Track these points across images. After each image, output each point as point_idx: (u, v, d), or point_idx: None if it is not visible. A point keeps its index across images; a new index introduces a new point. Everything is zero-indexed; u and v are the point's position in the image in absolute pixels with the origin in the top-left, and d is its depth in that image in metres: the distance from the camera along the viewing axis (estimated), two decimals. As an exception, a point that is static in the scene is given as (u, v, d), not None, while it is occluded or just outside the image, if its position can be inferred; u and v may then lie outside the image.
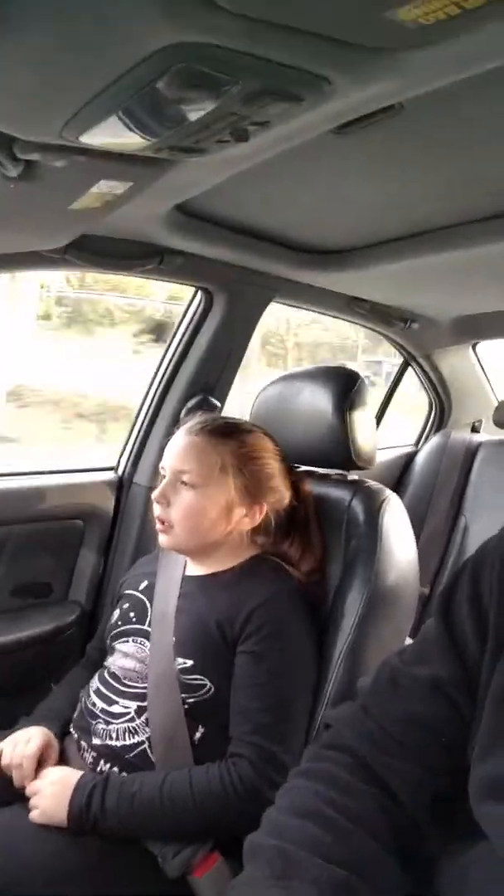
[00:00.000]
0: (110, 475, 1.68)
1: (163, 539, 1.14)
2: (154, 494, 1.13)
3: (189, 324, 1.62)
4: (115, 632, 1.18)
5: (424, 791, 0.65)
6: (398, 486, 2.51)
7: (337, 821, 0.63)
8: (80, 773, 1.03)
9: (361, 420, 1.26)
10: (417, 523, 2.41)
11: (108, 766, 1.06)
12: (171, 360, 1.64)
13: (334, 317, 1.94)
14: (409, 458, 2.57)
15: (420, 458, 2.54)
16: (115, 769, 1.05)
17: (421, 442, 2.63)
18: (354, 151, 0.93)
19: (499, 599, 0.65)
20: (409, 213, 1.22)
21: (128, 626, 1.17)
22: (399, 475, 2.55)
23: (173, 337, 1.65)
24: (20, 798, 1.04)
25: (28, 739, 1.10)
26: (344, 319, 1.97)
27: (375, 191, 1.11)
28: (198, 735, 1.06)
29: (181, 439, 1.15)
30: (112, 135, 0.66)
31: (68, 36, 0.49)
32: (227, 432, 1.15)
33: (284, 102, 0.61)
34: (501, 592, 0.65)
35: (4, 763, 1.09)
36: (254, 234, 1.38)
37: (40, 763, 1.08)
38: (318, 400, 1.27)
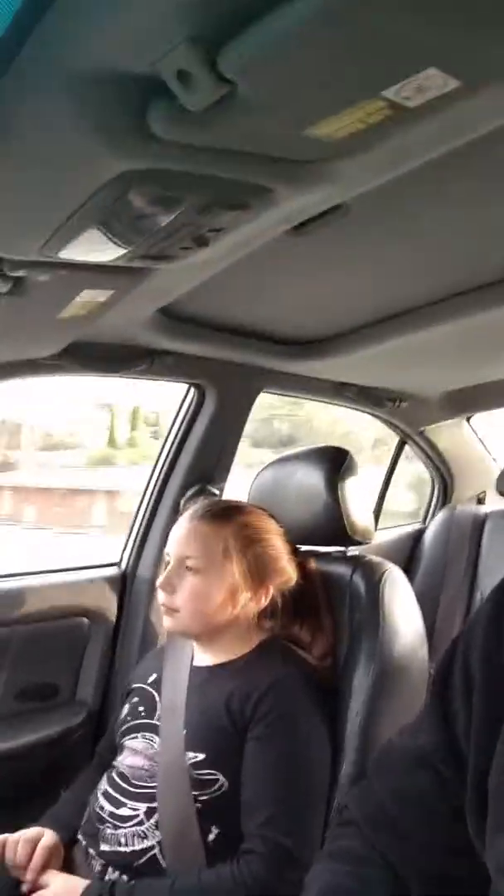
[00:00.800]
0: (113, 570, 1.70)
1: (167, 622, 1.14)
2: (159, 581, 1.14)
3: (184, 418, 1.69)
4: (124, 727, 1.16)
5: (425, 869, 0.64)
6: (408, 565, 2.49)
7: (359, 891, 0.65)
8: (85, 882, 0.98)
9: (354, 495, 1.29)
10: (433, 601, 2.39)
11: (116, 874, 1.01)
12: (168, 454, 1.70)
13: (323, 402, 2.01)
14: (418, 536, 2.56)
15: (428, 535, 2.53)
16: (124, 877, 1.00)
17: (428, 519, 2.64)
18: (313, 248, 1.02)
19: (481, 668, 0.65)
20: (378, 299, 1.31)
21: (137, 721, 1.15)
22: (409, 554, 2.53)
23: (169, 431, 1.71)
24: None
25: (35, 839, 1.07)
26: (334, 404, 2.04)
27: (341, 282, 1.20)
28: (211, 837, 1.02)
29: (184, 525, 1.16)
30: (87, 249, 0.74)
31: (37, 167, 0.58)
32: (229, 515, 1.16)
33: (233, 211, 0.69)
34: (483, 660, 0.65)
35: (9, 859, 1.05)
36: (237, 331, 1.48)
37: (43, 868, 1.04)
38: (311, 479, 1.31)
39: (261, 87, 0.47)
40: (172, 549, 1.16)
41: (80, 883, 0.98)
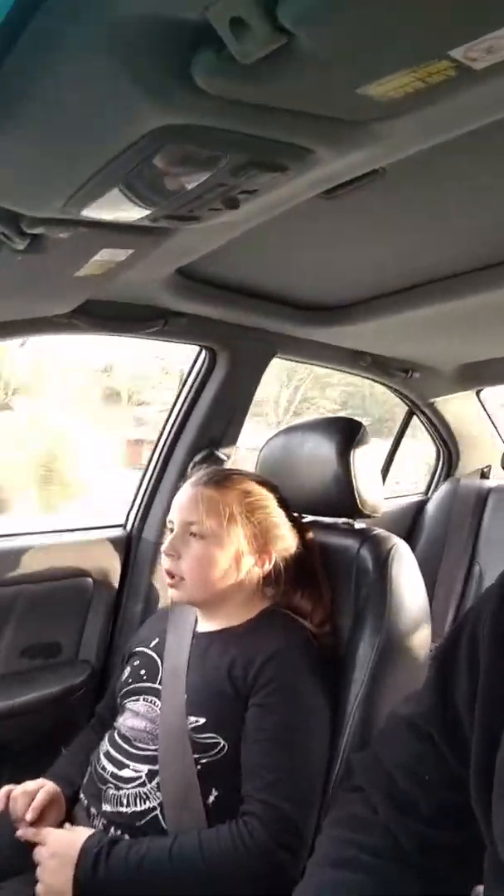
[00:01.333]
0: (118, 532, 1.69)
1: (173, 593, 1.14)
2: (163, 547, 1.14)
3: (194, 381, 1.66)
4: (125, 690, 1.17)
5: (423, 837, 0.66)
6: (409, 535, 2.50)
7: (367, 861, 0.67)
8: (83, 836, 0.99)
9: (365, 468, 1.27)
10: (431, 572, 2.40)
11: (118, 833, 1.03)
12: (177, 417, 1.68)
13: (336, 370, 1.98)
14: (420, 507, 2.57)
15: (430, 507, 2.53)
16: (126, 837, 1.02)
17: (431, 490, 2.63)
18: (344, 213, 0.98)
19: (489, 649, 0.66)
20: (403, 268, 1.27)
21: (138, 685, 1.15)
22: (410, 524, 2.54)
23: (179, 394, 1.69)
24: (31, 867, 1.01)
25: (34, 790, 1.09)
26: (345, 372, 2.01)
27: (368, 248, 1.16)
28: (211, 798, 1.03)
29: (188, 491, 1.16)
30: (111, 208, 0.70)
31: (66, 122, 0.54)
32: (233, 482, 1.16)
33: (270, 172, 0.65)
34: (491, 640, 0.66)
35: (12, 810, 1.07)
36: (254, 294, 1.44)
37: (42, 818, 1.06)
38: (322, 450, 1.29)
39: (320, 41, 0.43)
40: (176, 515, 1.15)
41: (77, 837, 0.99)
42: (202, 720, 1.04)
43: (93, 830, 1.01)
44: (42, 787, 1.10)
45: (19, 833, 1.04)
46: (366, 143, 0.64)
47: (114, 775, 1.07)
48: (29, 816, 1.05)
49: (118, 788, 1.06)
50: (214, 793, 1.03)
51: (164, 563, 1.14)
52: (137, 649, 1.22)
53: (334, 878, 0.68)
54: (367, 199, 0.91)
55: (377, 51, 0.45)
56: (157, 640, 1.20)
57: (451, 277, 1.27)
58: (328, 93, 0.52)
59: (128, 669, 1.20)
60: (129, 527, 1.71)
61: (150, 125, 0.53)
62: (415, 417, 2.46)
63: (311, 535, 1.25)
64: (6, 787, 1.10)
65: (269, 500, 1.18)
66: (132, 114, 0.51)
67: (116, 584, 1.65)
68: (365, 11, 0.41)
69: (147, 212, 0.72)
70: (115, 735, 1.13)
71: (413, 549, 2.41)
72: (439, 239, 1.10)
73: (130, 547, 1.68)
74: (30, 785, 1.10)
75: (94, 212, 0.71)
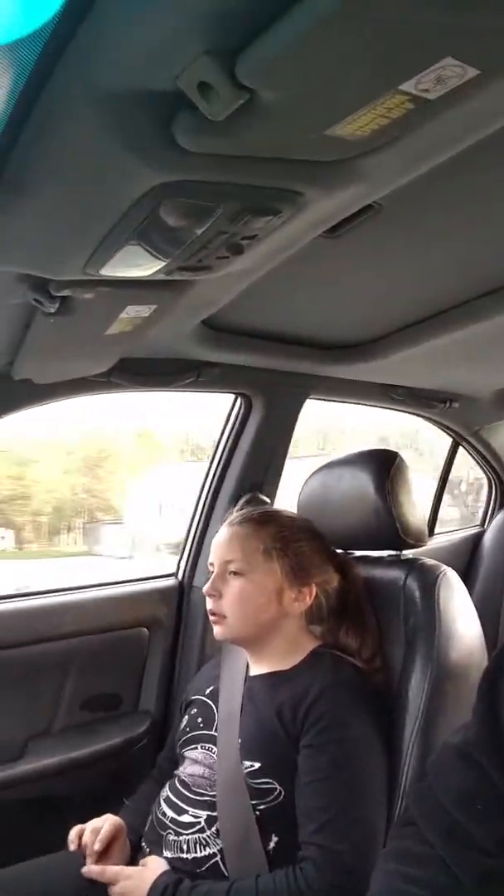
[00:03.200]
0: (171, 581, 1.73)
1: (217, 630, 1.16)
2: (205, 588, 1.17)
3: (232, 428, 1.71)
4: (183, 739, 1.18)
5: (477, 867, 0.64)
6: (468, 568, 2.43)
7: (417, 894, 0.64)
8: (153, 873, 1.00)
9: (405, 497, 1.28)
10: (495, 605, 2.32)
11: (178, 876, 1.02)
12: (218, 464, 1.72)
13: (372, 406, 2.00)
14: (477, 539, 2.50)
15: (488, 538, 2.47)
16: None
17: (486, 521, 2.57)
18: (350, 250, 1.03)
19: None
20: (419, 298, 1.30)
21: (196, 733, 1.16)
22: (467, 558, 2.48)
23: (218, 442, 1.74)
24: None
25: (100, 825, 1.13)
26: (383, 407, 2.02)
27: (380, 282, 1.20)
28: (272, 844, 1.02)
29: (225, 532, 1.20)
30: (127, 264, 0.77)
31: (74, 191, 0.62)
32: (267, 519, 1.19)
33: (265, 217, 0.71)
34: None
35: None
36: (280, 338, 1.49)
37: (107, 851, 1.10)
38: (360, 483, 1.30)
39: (280, 92, 0.49)
40: (215, 556, 1.19)
41: (148, 874, 1.00)
42: (257, 765, 1.04)
43: (164, 866, 1.02)
44: (108, 821, 1.13)
45: (84, 870, 1.06)
46: (350, 181, 0.69)
47: (173, 821, 1.07)
48: (97, 847, 1.09)
49: (178, 834, 1.06)
50: (275, 839, 1.02)
51: (208, 603, 1.17)
52: (194, 697, 1.24)
53: None
54: (369, 234, 0.96)
55: (333, 94, 0.50)
56: (211, 687, 1.21)
57: (466, 303, 1.29)
58: (299, 138, 0.57)
59: (185, 718, 1.21)
60: (180, 575, 1.74)
61: (147, 185, 0.59)
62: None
63: (353, 569, 1.25)
64: (77, 827, 1.12)
65: (303, 533, 1.20)
66: (128, 177, 0.58)
67: (172, 633, 1.67)
68: (313, 60, 0.46)
69: (160, 265, 0.78)
70: (176, 782, 1.14)
71: (472, 582, 2.36)
72: (448, 266, 1.14)
73: (183, 595, 1.71)
74: (97, 822, 1.14)
75: (112, 270, 0.78)
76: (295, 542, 1.17)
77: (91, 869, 1.06)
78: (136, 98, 0.51)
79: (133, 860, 1.12)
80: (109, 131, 0.53)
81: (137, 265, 0.78)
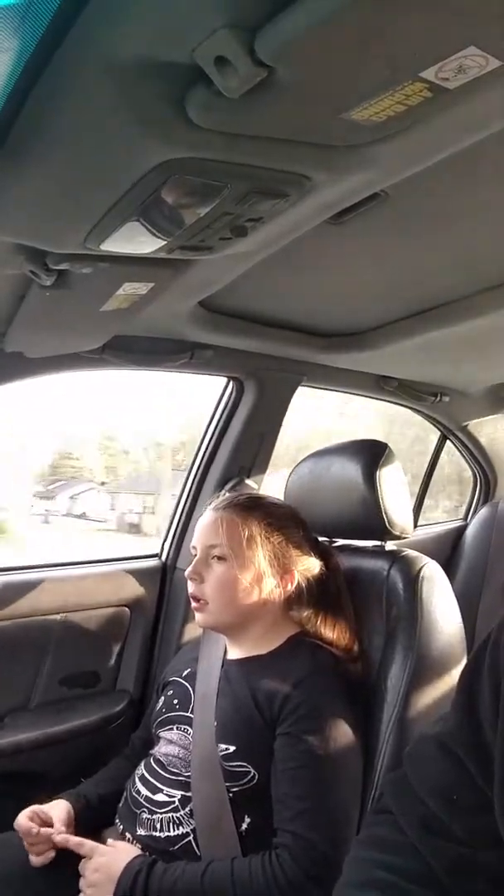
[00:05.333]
0: (154, 562, 1.72)
1: (199, 617, 1.16)
2: (187, 572, 1.16)
3: (223, 411, 1.70)
4: (159, 719, 1.18)
5: (451, 858, 0.65)
6: (449, 562, 2.46)
7: (393, 883, 0.65)
8: (127, 855, 1.01)
9: (393, 489, 1.28)
10: (473, 599, 2.35)
11: (151, 857, 1.03)
12: (207, 447, 1.72)
13: (364, 396, 2.00)
14: (459, 533, 2.53)
15: (470, 532, 2.49)
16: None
17: (470, 515, 2.59)
18: (353, 239, 1.02)
19: None
20: (418, 290, 1.30)
21: (172, 714, 1.17)
22: (449, 551, 2.50)
23: (208, 425, 1.73)
24: (63, 891, 1.03)
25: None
26: (374, 398, 2.02)
27: (380, 272, 1.19)
28: (244, 826, 1.03)
29: (209, 516, 1.19)
30: (128, 241, 0.76)
31: (79, 163, 0.60)
32: (252, 505, 1.19)
33: (272, 200, 0.69)
34: None
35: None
36: (276, 323, 1.48)
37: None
38: (348, 472, 1.30)
39: (298, 71, 0.48)
40: (198, 540, 1.18)
41: (120, 855, 1.00)
42: (232, 748, 1.05)
43: (136, 851, 1.03)
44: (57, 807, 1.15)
45: (61, 838, 1.07)
46: (360, 168, 0.68)
47: (148, 799, 1.08)
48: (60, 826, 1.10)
49: (152, 813, 1.06)
50: (247, 820, 1.03)
51: (189, 587, 1.16)
52: (171, 679, 1.24)
53: None
54: (374, 223, 0.95)
55: (352, 77, 0.49)
56: (188, 669, 1.21)
57: (466, 298, 1.29)
58: (314, 120, 0.56)
59: (162, 699, 1.22)
60: (164, 556, 1.74)
61: (154, 161, 0.58)
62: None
63: (334, 558, 1.25)
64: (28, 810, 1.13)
65: (288, 521, 1.20)
66: (136, 151, 0.57)
67: (153, 614, 1.67)
68: (335, 41, 0.45)
69: (161, 243, 0.77)
70: (151, 760, 1.14)
71: (454, 576, 2.38)
72: (450, 259, 1.13)
73: (166, 577, 1.71)
74: (43, 807, 1.14)
75: (112, 245, 0.76)
76: (279, 530, 1.17)
77: (69, 838, 1.06)
78: (149, 70, 0.49)
79: (99, 834, 1.12)
80: (120, 103, 0.52)
81: (138, 242, 0.76)
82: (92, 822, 1.15)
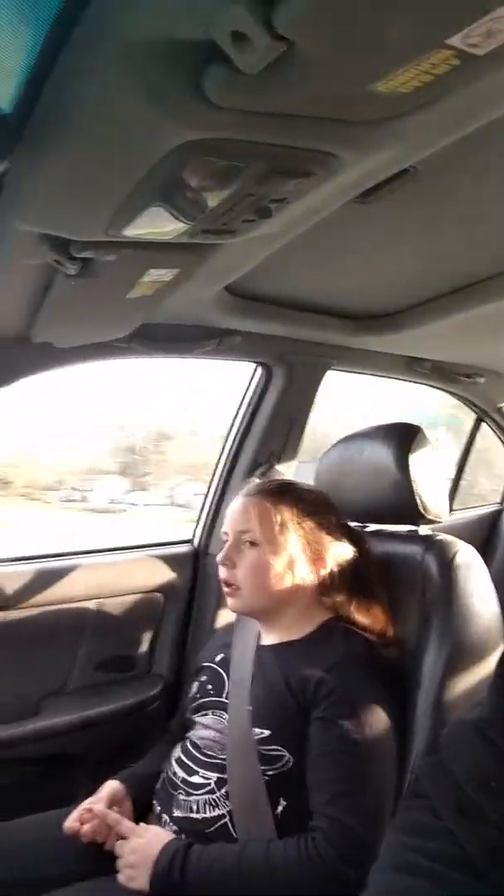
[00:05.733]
0: (187, 548, 1.74)
1: (231, 602, 1.16)
2: (219, 557, 1.16)
3: (252, 397, 1.70)
4: (194, 705, 1.19)
5: (488, 844, 0.64)
6: (487, 545, 2.42)
7: (429, 867, 0.64)
8: (164, 838, 1.02)
9: (426, 472, 1.25)
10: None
11: (188, 840, 1.04)
12: (236, 433, 1.71)
13: (395, 379, 1.97)
14: (496, 517, 2.48)
15: (507, 516, 2.45)
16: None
17: (505, 499, 2.54)
18: (382, 217, 0.99)
19: None
20: (449, 269, 1.26)
21: (206, 699, 1.18)
22: (486, 535, 2.46)
23: (237, 411, 1.72)
24: (102, 871, 1.05)
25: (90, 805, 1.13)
26: (406, 381, 1.99)
27: (411, 251, 1.16)
28: (280, 809, 1.03)
29: (240, 502, 1.19)
30: (151, 225, 0.75)
31: (98, 148, 0.59)
32: (284, 491, 1.18)
33: (295, 179, 0.68)
34: None
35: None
36: (304, 307, 1.46)
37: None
38: (380, 457, 1.28)
39: (318, 44, 0.46)
40: (230, 525, 1.18)
41: (158, 837, 1.02)
42: (266, 732, 1.05)
43: (171, 836, 1.04)
44: (107, 787, 1.16)
45: (101, 810, 1.09)
46: (387, 143, 0.66)
47: (184, 781, 1.09)
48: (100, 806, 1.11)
49: (188, 794, 1.08)
50: (283, 803, 1.03)
51: (221, 572, 1.16)
52: (204, 664, 1.25)
53: (394, 882, 0.66)
54: (404, 200, 0.92)
55: (375, 47, 0.47)
56: (221, 655, 1.22)
57: (494, 277, 1.25)
58: (337, 95, 0.54)
59: (196, 685, 1.23)
60: (196, 542, 1.75)
61: (173, 142, 0.57)
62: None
63: (367, 543, 1.24)
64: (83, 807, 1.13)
65: (318, 506, 1.19)
66: (155, 133, 0.56)
67: (186, 600, 1.69)
68: (356, 9, 0.43)
69: (184, 227, 0.75)
70: (187, 743, 1.15)
71: (491, 559, 2.34)
72: (482, 236, 1.09)
73: (198, 562, 1.72)
74: (84, 804, 1.14)
75: (135, 231, 0.76)
76: (311, 515, 1.16)
77: (108, 814, 1.08)
78: (164, 48, 0.48)
79: (142, 817, 1.14)
80: (135, 84, 0.50)
81: (161, 227, 0.75)
82: (144, 803, 1.17)
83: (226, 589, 1.16)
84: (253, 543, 1.14)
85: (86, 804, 1.13)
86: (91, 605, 1.52)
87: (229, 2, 0.42)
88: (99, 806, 1.10)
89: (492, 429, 2.41)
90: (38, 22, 0.47)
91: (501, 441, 2.47)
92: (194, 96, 0.51)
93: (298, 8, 0.42)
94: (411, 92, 0.55)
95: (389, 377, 1.95)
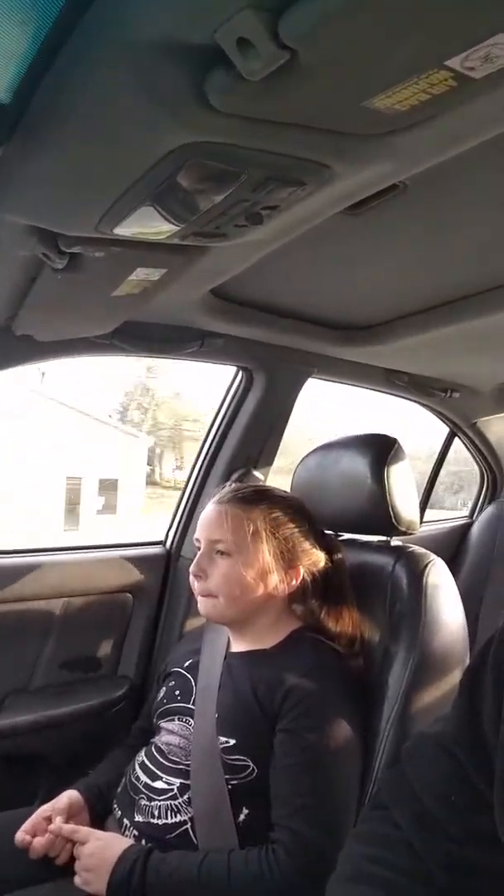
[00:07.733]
0: (158, 549, 1.73)
1: (204, 607, 1.15)
2: (191, 568, 1.14)
3: (231, 401, 1.70)
4: (160, 710, 1.18)
5: (447, 856, 0.65)
6: (454, 559, 2.45)
7: (386, 877, 0.65)
8: (122, 843, 1.01)
9: (400, 484, 1.27)
10: (476, 597, 2.35)
11: (148, 846, 1.03)
12: (214, 436, 1.71)
13: (373, 390, 1.99)
14: (465, 530, 2.52)
15: (475, 530, 2.49)
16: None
17: (476, 513, 2.58)
18: (369, 230, 1.00)
19: None
20: (432, 285, 1.28)
21: (173, 705, 1.16)
22: (454, 548, 2.49)
23: (216, 414, 1.72)
24: (59, 874, 1.03)
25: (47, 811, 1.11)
26: (384, 392, 2.01)
27: (395, 265, 1.18)
28: (242, 817, 1.03)
29: (213, 509, 1.16)
30: (141, 225, 0.75)
31: (95, 144, 0.59)
32: (257, 498, 1.16)
33: (289, 188, 0.68)
34: None
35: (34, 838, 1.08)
36: (288, 314, 1.47)
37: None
38: (356, 467, 1.29)
39: (321, 55, 0.46)
40: (202, 533, 1.16)
41: (116, 843, 1.00)
42: (232, 741, 1.04)
43: (130, 841, 1.02)
44: (65, 796, 1.14)
45: (54, 827, 1.06)
46: (380, 158, 0.67)
47: (147, 786, 1.08)
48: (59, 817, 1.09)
49: (150, 799, 1.06)
50: (245, 811, 1.03)
51: (193, 584, 1.15)
52: (172, 670, 1.24)
53: (351, 894, 0.66)
54: (391, 215, 0.93)
55: (377, 63, 0.48)
56: (190, 660, 1.21)
57: (481, 294, 1.27)
58: (336, 107, 0.55)
59: (163, 690, 1.21)
60: (168, 544, 1.74)
61: (171, 144, 0.57)
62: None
63: (339, 552, 1.24)
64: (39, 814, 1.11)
65: (294, 515, 1.17)
66: (154, 134, 0.56)
67: (156, 601, 1.67)
68: (361, 25, 0.44)
69: (175, 229, 0.76)
70: (152, 748, 1.14)
71: (458, 573, 2.38)
72: (466, 254, 1.11)
73: (170, 564, 1.71)
74: (41, 810, 1.12)
75: (125, 230, 0.75)
76: (285, 525, 1.15)
77: (62, 827, 1.06)
78: (168, 51, 0.48)
79: (102, 822, 1.13)
80: (138, 84, 0.51)
81: (152, 227, 0.75)
82: (102, 811, 1.15)
83: (198, 596, 1.15)
84: (225, 553, 1.12)
85: (43, 810, 1.11)
86: (59, 603, 1.50)
87: (238, 7, 0.43)
88: (56, 822, 1.07)
89: (464, 444, 2.45)
90: (42, 14, 0.47)
91: (472, 456, 2.51)
92: (195, 99, 0.52)
93: (305, 19, 0.42)
94: (407, 109, 0.56)
95: (368, 388, 1.97)
